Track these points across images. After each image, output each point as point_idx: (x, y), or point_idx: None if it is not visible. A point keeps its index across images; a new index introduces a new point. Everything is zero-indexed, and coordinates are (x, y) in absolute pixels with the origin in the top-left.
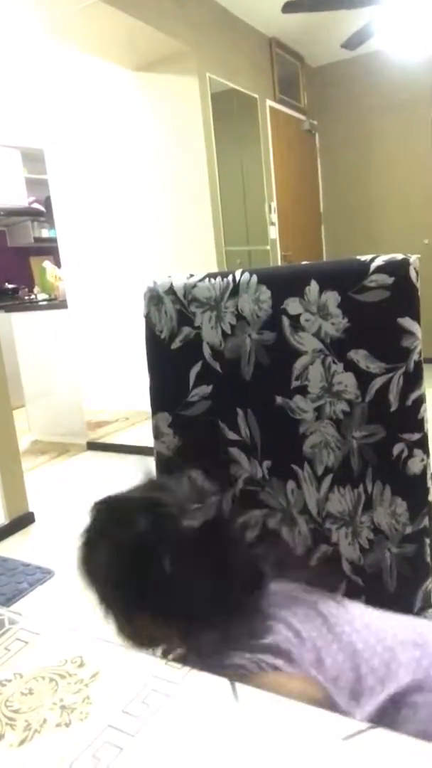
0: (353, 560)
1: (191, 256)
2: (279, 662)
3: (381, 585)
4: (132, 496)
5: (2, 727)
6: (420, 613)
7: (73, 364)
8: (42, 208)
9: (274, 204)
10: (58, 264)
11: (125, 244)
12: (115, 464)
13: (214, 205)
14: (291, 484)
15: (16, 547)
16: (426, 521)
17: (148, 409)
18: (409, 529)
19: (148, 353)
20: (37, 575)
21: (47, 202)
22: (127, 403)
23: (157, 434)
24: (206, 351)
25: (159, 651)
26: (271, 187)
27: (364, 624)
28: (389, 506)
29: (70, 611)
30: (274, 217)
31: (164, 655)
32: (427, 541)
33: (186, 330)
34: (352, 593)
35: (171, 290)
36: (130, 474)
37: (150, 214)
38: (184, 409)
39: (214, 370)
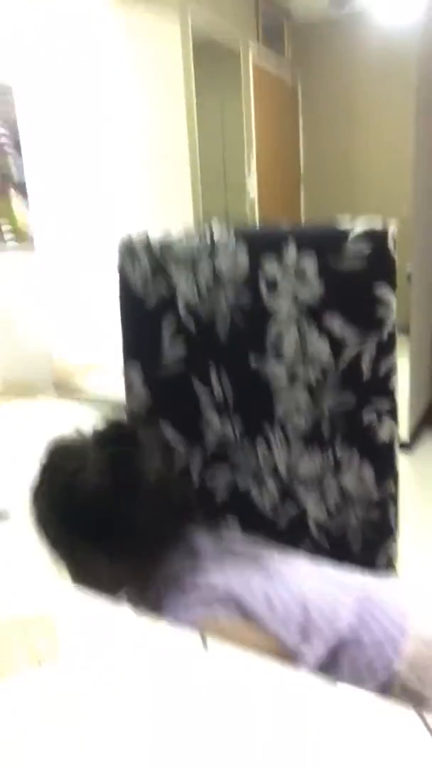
0: (320, 522)
1: (167, 206)
2: (232, 613)
3: (346, 546)
4: (84, 433)
5: None
6: (382, 574)
7: (38, 308)
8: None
9: (253, 161)
10: (24, 199)
11: (98, 189)
12: (83, 413)
13: (192, 157)
14: (262, 446)
15: None
16: (392, 487)
17: (118, 359)
18: (375, 495)
19: (121, 308)
20: None
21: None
22: (96, 351)
23: (129, 390)
24: (181, 310)
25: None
26: (251, 144)
27: (308, 573)
28: (357, 471)
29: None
30: (253, 176)
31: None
32: (392, 506)
33: (161, 288)
34: (317, 552)
35: (147, 246)
36: (96, 423)
37: (126, 158)
38: (157, 366)
39: (189, 330)
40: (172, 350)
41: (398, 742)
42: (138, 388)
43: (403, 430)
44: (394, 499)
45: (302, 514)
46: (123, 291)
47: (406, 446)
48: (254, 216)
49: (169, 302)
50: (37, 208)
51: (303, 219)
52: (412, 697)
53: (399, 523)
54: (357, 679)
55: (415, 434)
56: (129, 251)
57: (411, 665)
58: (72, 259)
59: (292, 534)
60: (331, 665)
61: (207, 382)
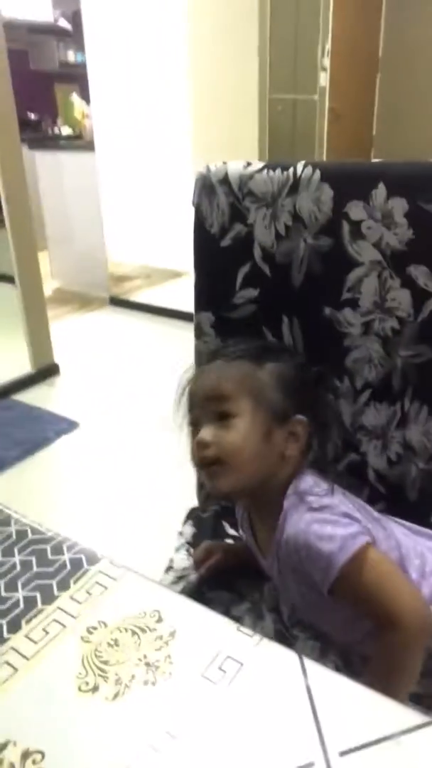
0: (379, 470)
1: (232, 99)
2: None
3: (402, 495)
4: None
5: (96, 679)
6: None
7: (97, 212)
8: (69, 27)
9: (328, 46)
10: (85, 97)
11: (162, 83)
12: (138, 324)
13: (262, 44)
14: (328, 395)
15: (42, 397)
16: None
17: (171, 267)
18: None
19: (195, 247)
20: (63, 426)
21: (75, 19)
22: (150, 259)
23: (199, 334)
24: (257, 252)
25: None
26: (327, 25)
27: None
28: (423, 425)
29: (94, 462)
30: (326, 62)
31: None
32: None
33: (238, 227)
34: (374, 500)
35: (225, 180)
36: (153, 337)
37: (191, 47)
38: (229, 310)
39: (263, 273)
40: (245, 293)
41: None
42: (207, 329)
43: None
44: None
45: (362, 462)
46: (197, 229)
47: None
48: (324, 109)
49: (244, 242)
50: (99, 110)
51: (377, 108)
52: None
53: None
54: None
55: None
56: (206, 187)
57: None
58: (132, 164)
59: (350, 480)
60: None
61: (278, 330)
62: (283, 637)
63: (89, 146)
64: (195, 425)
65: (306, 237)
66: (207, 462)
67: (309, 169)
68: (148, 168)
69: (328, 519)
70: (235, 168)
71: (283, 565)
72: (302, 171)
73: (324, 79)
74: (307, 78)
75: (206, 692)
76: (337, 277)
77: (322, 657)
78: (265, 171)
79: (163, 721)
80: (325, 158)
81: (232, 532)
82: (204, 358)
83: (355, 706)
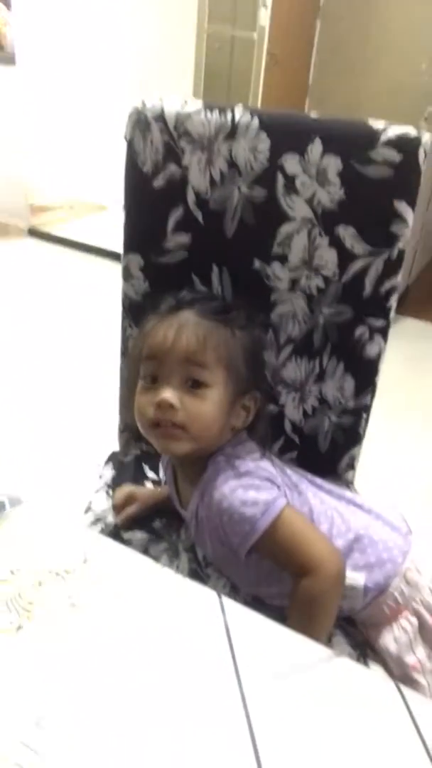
0: (295, 422)
1: (167, 30)
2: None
3: (315, 446)
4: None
5: (20, 619)
6: (344, 473)
7: (17, 133)
8: None
9: None
10: (5, 2)
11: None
12: (59, 258)
13: None
14: None
15: None
16: (368, 399)
17: (95, 200)
18: (351, 404)
19: (126, 185)
20: None
21: None
22: (73, 190)
23: (127, 276)
24: (190, 196)
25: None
26: None
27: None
28: (339, 381)
29: (13, 402)
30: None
31: None
32: (364, 415)
33: (172, 168)
34: (287, 450)
35: (161, 117)
36: (75, 274)
37: None
38: (159, 255)
39: (196, 220)
40: (176, 238)
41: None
42: (136, 272)
43: None
44: (367, 409)
45: (280, 413)
46: (129, 167)
47: None
48: (261, 53)
49: (178, 185)
50: (21, 19)
51: (314, 56)
52: (411, 588)
53: (367, 430)
54: (368, 568)
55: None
56: (141, 122)
57: (411, 559)
58: (59, 85)
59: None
60: (348, 556)
61: (207, 279)
62: (198, 575)
63: (9, 59)
64: (153, 380)
65: (240, 186)
66: (166, 424)
67: (248, 115)
68: (76, 91)
69: (251, 484)
70: (172, 105)
71: (201, 523)
72: (241, 116)
73: (264, 17)
74: (247, 12)
75: (128, 628)
76: (269, 231)
77: (232, 594)
78: (203, 112)
79: (85, 657)
80: (260, 103)
81: (152, 475)
82: (162, 304)
83: (269, 641)
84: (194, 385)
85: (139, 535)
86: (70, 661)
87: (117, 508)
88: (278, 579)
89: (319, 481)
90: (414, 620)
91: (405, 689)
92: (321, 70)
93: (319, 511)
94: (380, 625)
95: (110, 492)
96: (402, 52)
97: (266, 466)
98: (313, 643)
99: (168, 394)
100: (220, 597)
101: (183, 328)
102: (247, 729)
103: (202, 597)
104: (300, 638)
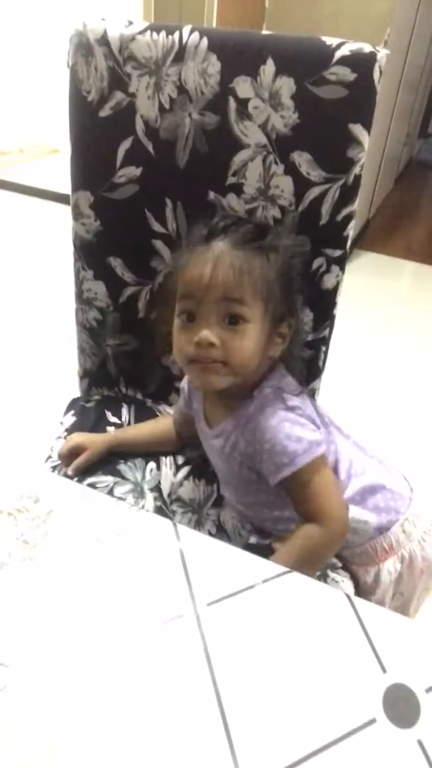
0: None
1: None
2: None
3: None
4: None
5: None
6: None
7: None
8: None
9: None
10: None
11: None
12: (9, 204)
13: None
14: None
15: None
16: (327, 331)
17: (47, 143)
18: (310, 337)
19: (70, 116)
20: None
21: None
22: (23, 132)
23: (77, 215)
24: (139, 126)
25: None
26: None
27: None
28: (299, 315)
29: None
30: None
31: None
32: (323, 348)
33: (118, 96)
34: None
35: (104, 40)
36: (26, 219)
37: None
38: (109, 190)
39: (146, 151)
40: (126, 171)
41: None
42: (86, 210)
43: None
44: (326, 342)
45: None
46: (73, 95)
47: None
48: None
49: (125, 114)
50: None
51: None
52: (405, 537)
53: (326, 362)
54: (377, 511)
55: (348, 252)
56: (83, 46)
57: (411, 512)
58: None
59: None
60: (362, 497)
61: (161, 214)
62: (163, 512)
63: None
64: (190, 318)
65: (191, 112)
66: (206, 361)
67: (196, 35)
68: (18, 22)
69: (298, 421)
70: (116, 27)
71: (232, 444)
72: (189, 37)
73: None
74: None
75: (84, 562)
76: (223, 159)
77: (197, 528)
78: (149, 33)
79: (42, 592)
80: (215, 26)
81: (114, 420)
82: (195, 236)
83: (222, 563)
84: (232, 321)
85: (103, 479)
86: (28, 599)
87: (63, 459)
88: (281, 510)
89: (337, 423)
90: (398, 566)
91: (356, 599)
92: None
93: (342, 451)
94: (367, 565)
95: None
96: None
97: (308, 404)
98: (266, 561)
99: (207, 333)
100: (175, 526)
101: (218, 263)
102: (201, 645)
103: (158, 527)
104: (253, 557)
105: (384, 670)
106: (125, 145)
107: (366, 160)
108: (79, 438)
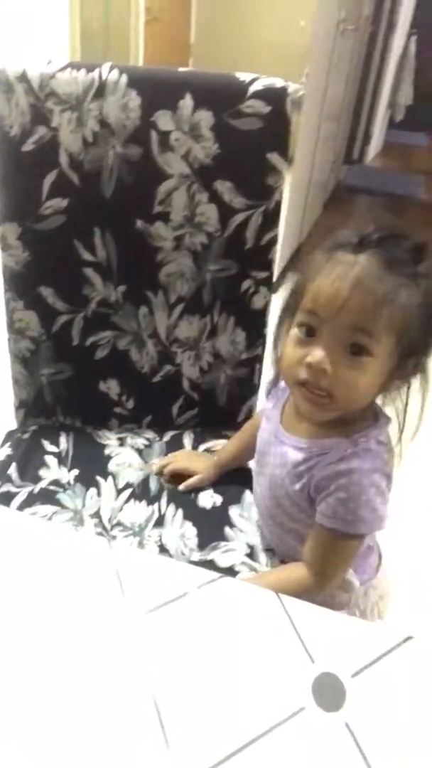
0: (192, 379)
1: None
2: None
3: (214, 401)
4: None
5: None
6: (242, 423)
7: None
8: None
9: None
10: None
11: None
12: None
13: None
14: (143, 310)
15: None
16: (259, 350)
17: None
18: (244, 356)
19: None
20: None
21: None
22: None
23: (5, 246)
24: (63, 158)
25: None
26: None
27: None
28: (231, 335)
29: None
30: None
31: None
32: (257, 366)
33: (41, 130)
34: (188, 408)
35: (24, 78)
36: None
37: None
38: (36, 221)
39: (72, 182)
40: (53, 203)
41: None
42: (14, 242)
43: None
44: (260, 360)
45: (177, 372)
46: None
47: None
48: (139, 6)
49: (49, 148)
50: None
51: (194, 14)
52: (367, 597)
53: (261, 380)
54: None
55: (282, 275)
56: (2, 83)
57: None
58: None
59: (166, 391)
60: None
61: (89, 242)
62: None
63: None
64: (308, 332)
65: (115, 145)
66: (313, 388)
67: (115, 72)
68: None
69: (384, 493)
70: (35, 66)
71: (306, 466)
72: (108, 74)
73: None
74: None
75: (24, 583)
76: (148, 189)
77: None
78: (69, 70)
79: None
80: (141, 62)
81: (52, 449)
82: (342, 242)
83: (156, 573)
84: (354, 351)
85: (42, 508)
86: None
87: (164, 476)
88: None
89: None
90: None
91: (284, 597)
92: (202, 28)
93: None
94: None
95: (8, 472)
96: (281, 9)
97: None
98: (198, 568)
99: (322, 356)
100: (109, 543)
101: (359, 285)
102: (140, 651)
103: (93, 545)
104: (185, 566)
105: (312, 661)
106: (50, 178)
107: (294, 187)
108: (183, 463)
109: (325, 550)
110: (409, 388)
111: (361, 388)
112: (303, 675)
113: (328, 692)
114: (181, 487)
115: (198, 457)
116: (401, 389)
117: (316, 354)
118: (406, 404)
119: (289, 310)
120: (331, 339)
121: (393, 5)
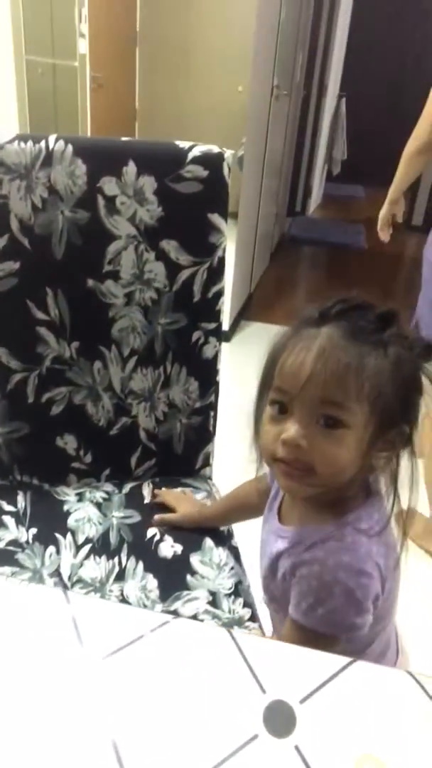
0: (149, 429)
1: None
2: None
3: (171, 450)
4: None
5: None
6: (200, 470)
7: None
8: None
9: (85, 11)
10: None
11: None
12: None
13: (14, 4)
14: (98, 364)
15: None
16: (213, 398)
17: None
18: (198, 404)
19: None
20: None
21: None
22: None
23: None
24: (14, 224)
25: None
26: None
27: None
28: (184, 385)
29: None
30: (85, 28)
31: None
32: (212, 413)
33: None
34: (146, 459)
35: None
36: None
37: None
38: None
39: (23, 246)
40: (4, 266)
41: None
42: None
43: (225, 320)
44: (213, 407)
45: (134, 424)
46: None
47: (225, 335)
48: (85, 77)
49: None
50: None
51: (138, 82)
52: None
53: (216, 427)
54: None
55: (235, 324)
56: None
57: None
58: None
59: (123, 442)
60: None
61: (42, 302)
62: None
63: None
64: (281, 409)
65: (63, 209)
66: (291, 464)
67: (61, 143)
68: None
69: (349, 592)
70: None
71: (279, 555)
72: (54, 144)
73: (84, 46)
74: (66, 43)
75: None
76: (97, 250)
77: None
78: (16, 142)
79: None
80: (89, 129)
81: (9, 508)
82: (305, 317)
83: (110, 619)
84: (329, 424)
85: (1, 569)
86: None
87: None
88: None
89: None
90: None
91: (236, 632)
92: (146, 95)
93: (391, 598)
94: None
95: None
96: (220, 75)
97: (381, 562)
98: (151, 612)
99: (295, 432)
100: (65, 592)
101: (322, 357)
102: (98, 693)
103: (48, 596)
104: (139, 611)
105: (264, 691)
106: (1, 242)
107: (241, 239)
108: (171, 500)
109: (293, 641)
110: (398, 460)
111: (341, 460)
112: (255, 704)
113: (279, 719)
114: (156, 517)
115: (186, 501)
116: (390, 462)
117: (291, 430)
118: (396, 478)
119: (264, 389)
120: (303, 413)
121: (322, 71)
